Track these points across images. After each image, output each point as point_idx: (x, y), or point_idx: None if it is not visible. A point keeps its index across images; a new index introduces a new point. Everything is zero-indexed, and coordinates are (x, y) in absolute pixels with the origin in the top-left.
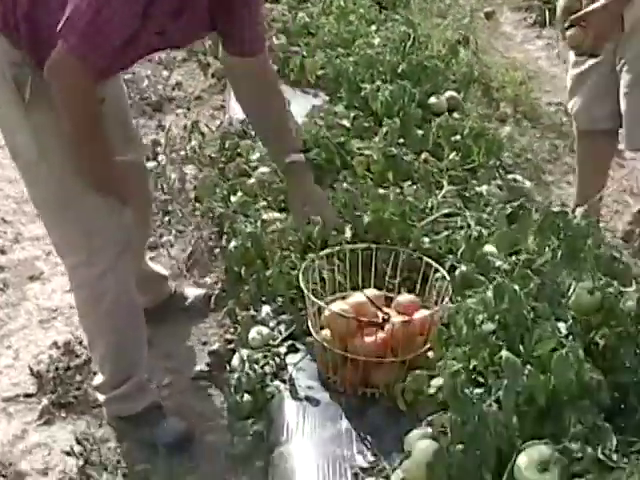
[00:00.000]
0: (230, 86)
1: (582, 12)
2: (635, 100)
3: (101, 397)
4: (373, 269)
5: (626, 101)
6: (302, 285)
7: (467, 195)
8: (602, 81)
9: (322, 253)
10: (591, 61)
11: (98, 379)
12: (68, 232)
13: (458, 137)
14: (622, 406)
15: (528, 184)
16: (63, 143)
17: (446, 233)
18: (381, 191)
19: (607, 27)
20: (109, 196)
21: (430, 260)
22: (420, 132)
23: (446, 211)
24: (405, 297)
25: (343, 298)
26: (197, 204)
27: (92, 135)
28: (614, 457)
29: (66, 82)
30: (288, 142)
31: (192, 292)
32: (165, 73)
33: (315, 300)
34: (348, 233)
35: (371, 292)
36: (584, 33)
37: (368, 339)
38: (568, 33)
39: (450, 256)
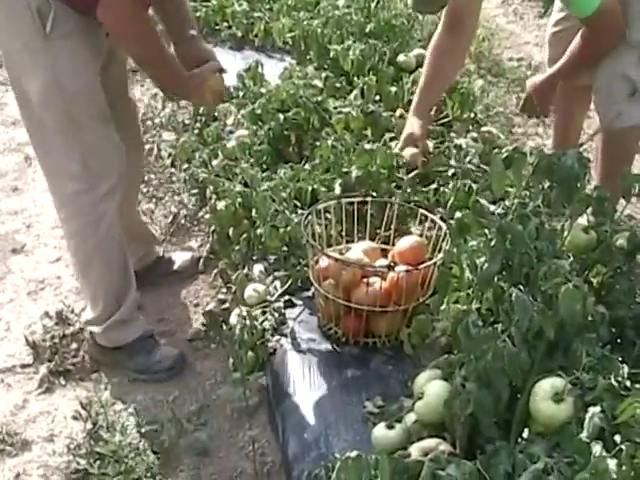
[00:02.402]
0: None
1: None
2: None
3: (96, 329)
4: (367, 221)
5: None
6: (304, 236)
7: (447, 147)
8: None
9: (319, 206)
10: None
11: (89, 314)
12: (70, 158)
13: None
14: (619, 340)
15: (502, 136)
16: (78, 73)
17: (434, 185)
18: (367, 146)
19: (550, 96)
20: (197, 98)
21: (425, 211)
22: (394, 89)
23: (433, 163)
24: (408, 240)
25: (340, 252)
26: (174, 170)
27: (162, 50)
28: (627, 384)
29: (125, 17)
30: (188, 21)
31: (179, 256)
32: None
33: (328, 253)
34: (337, 188)
35: (367, 245)
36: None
37: (371, 289)
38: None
39: (439, 208)
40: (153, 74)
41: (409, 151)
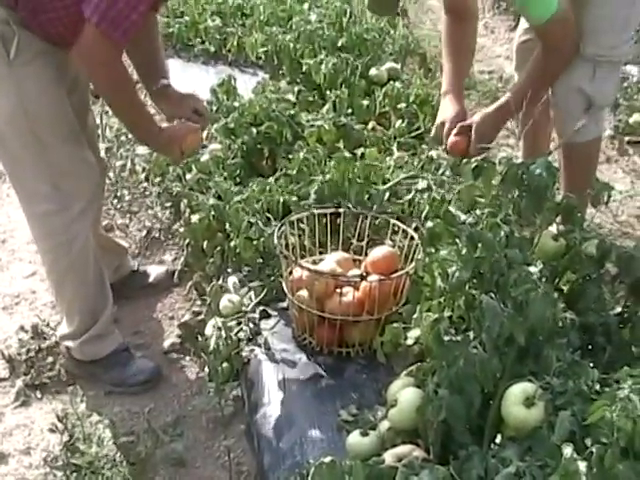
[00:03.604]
0: None
1: (467, 122)
2: None
3: (72, 343)
4: (341, 232)
5: None
6: (277, 247)
7: (419, 159)
8: None
9: (292, 218)
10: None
11: (64, 329)
12: (41, 181)
13: (403, 105)
14: (590, 346)
15: None
16: (43, 96)
17: (409, 196)
18: (346, 154)
19: (491, 135)
20: (166, 150)
21: (398, 222)
22: (365, 102)
23: (409, 174)
24: (381, 250)
25: (313, 262)
26: (147, 184)
27: (135, 98)
28: (597, 388)
29: (101, 61)
30: (161, 69)
31: (154, 269)
32: None
33: (301, 264)
34: (312, 198)
35: (340, 255)
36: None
37: (345, 299)
38: (451, 140)
39: (414, 218)
40: (125, 121)
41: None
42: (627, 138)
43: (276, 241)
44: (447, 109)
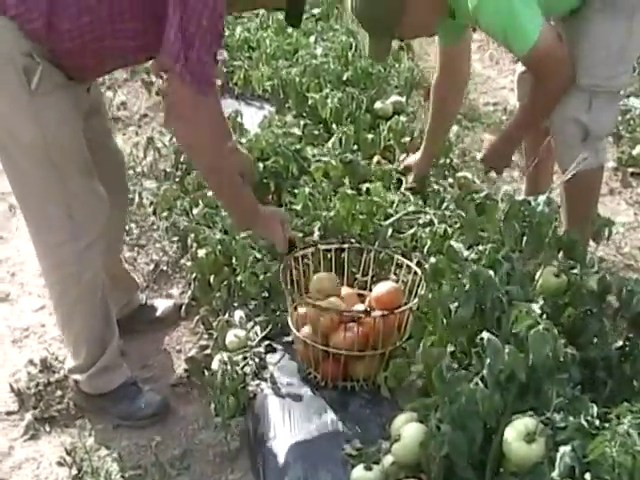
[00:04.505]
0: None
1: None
2: None
3: (80, 377)
4: (345, 267)
5: None
6: (283, 283)
7: (424, 193)
8: None
9: (297, 253)
10: None
11: (71, 362)
12: (54, 211)
13: (408, 139)
14: (591, 381)
15: (477, 181)
16: (62, 126)
17: (412, 231)
18: (350, 191)
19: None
20: (261, 233)
21: (401, 257)
22: (370, 136)
23: (411, 209)
24: (385, 285)
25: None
26: (155, 218)
27: (230, 169)
28: (597, 423)
29: (204, 120)
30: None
31: (162, 303)
32: (109, 94)
33: (306, 300)
34: (316, 233)
35: (345, 290)
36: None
37: (349, 334)
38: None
39: (416, 253)
40: (223, 193)
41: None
42: (630, 170)
43: (281, 277)
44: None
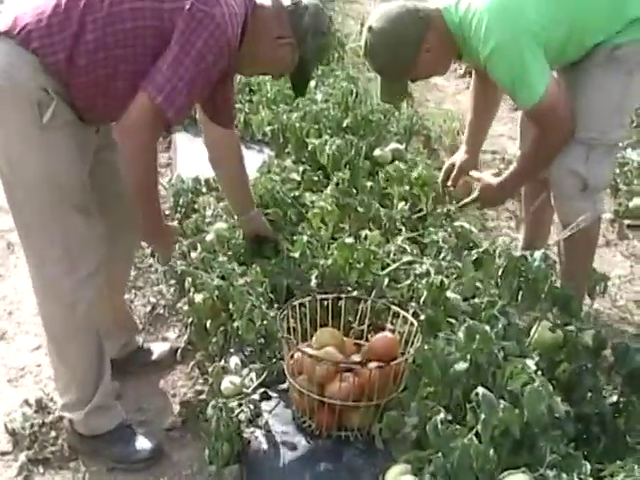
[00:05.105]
0: (209, 161)
1: (476, 174)
2: None
3: (76, 415)
4: (342, 316)
5: None
6: (280, 332)
7: (423, 242)
8: None
9: (295, 302)
10: None
11: (65, 398)
12: (53, 245)
13: (406, 187)
14: (585, 436)
15: (475, 230)
16: (68, 162)
17: (408, 282)
18: (348, 240)
19: (493, 204)
20: (154, 247)
21: (398, 308)
22: (369, 183)
23: (408, 259)
24: (381, 336)
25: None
26: (152, 260)
27: (154, 190)
28: None
29: (143, 136)
30: (249, 199)
31: (158, 346)
32: None
33: (302, 349)
34: (314, 281)
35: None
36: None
37: (344, 384)
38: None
39: (413, 303)
40: (139, 207)
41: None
42: (627, 222)
43: (278, 326)
44: (460, 154)
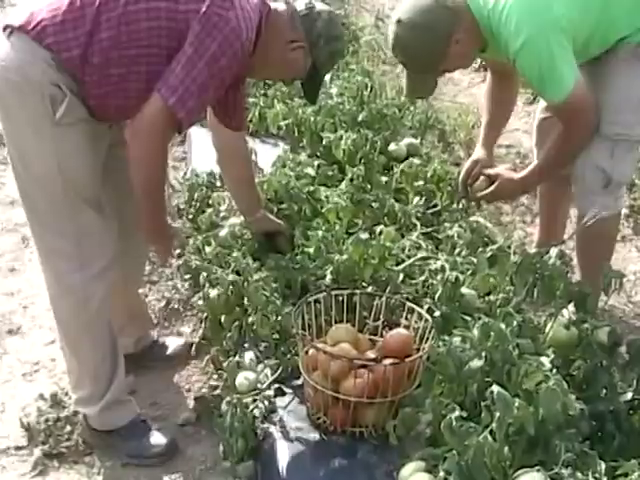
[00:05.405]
0: (217, 164)
1: (492, 171)
2: None
3: (90, 410)
4: (357, 313)
5: None
6: (295, 328)
7: (437, 237)
8: None
9: (310, 298)
10: None
11: (79, 392)
12: (64, 240)
13: (421, 182)
14: (600, 433)
15: (489, 225)
16: (80, 158)
17: (423, 278)
18: (362, 236)
19: (509, 198)
20: (155, 247)
21: (413, 304)
22: (384, 178)
23: (423, 255)
24: (396, 333)
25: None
26: None
27: (161, 192)
28: None
29: (155, 136)
30: (256, 201)
31: (173, 341)
32: None
33: (317, 346)
34: (329, 277)
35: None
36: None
37: (359, 380)
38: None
39: (427, 299)
40: (146, 207)
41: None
42: None
43: (293, 322)
44: (478, 153)
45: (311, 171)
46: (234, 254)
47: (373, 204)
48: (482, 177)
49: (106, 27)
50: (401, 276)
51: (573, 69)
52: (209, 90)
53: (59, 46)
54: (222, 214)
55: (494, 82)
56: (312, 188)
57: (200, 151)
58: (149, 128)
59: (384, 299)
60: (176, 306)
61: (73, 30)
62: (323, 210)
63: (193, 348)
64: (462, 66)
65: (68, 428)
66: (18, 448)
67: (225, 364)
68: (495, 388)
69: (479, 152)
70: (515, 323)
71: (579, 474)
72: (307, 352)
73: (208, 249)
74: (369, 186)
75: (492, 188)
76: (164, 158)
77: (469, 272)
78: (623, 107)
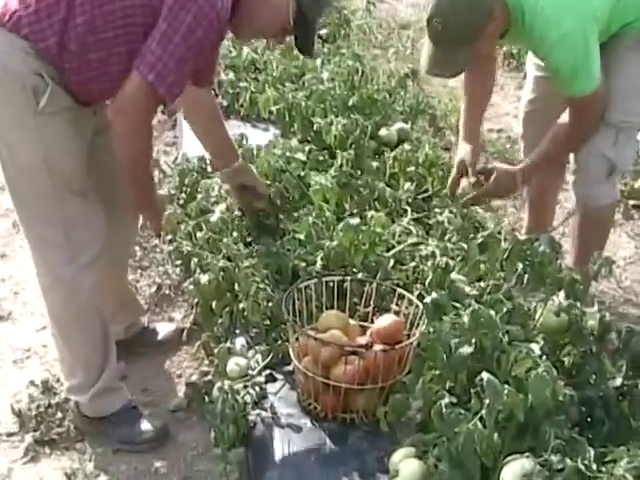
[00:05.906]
0: (184, 119)
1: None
2: None
3: (81, 398)
4: (347, 299)
5: None
6: (286, 314)
7: (428, 223)
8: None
9: (300, 285)
10: (546, 101)
11: (71, 381)
12: (53, 230)
13: (412, 168)
14: (589, 420)
15: (480, 211)
16: (64, 147)
17: (413, 264)
18: (353, 221)
19: (507, 191)
20: (145, 217)
21: (403, 291)
22: (375, 164)
23: (413, 241)
24: (386, 319)
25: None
26: (158, 240)
27: (147, 168)
28: (593, 467)
29: (137, 113)
30: (231, 152)
31: (164, 327)
32: None
33: (308, 332)
34: (319, 263)
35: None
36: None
37: (350, 367)
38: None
39: (418, 285)
40: (133, 183)
41: (463, 183)
42: (632, 202)
43: (284, 308)
44: (465, 148)
45: (301, 156)
46: (225, 240)
47: (362, 189)
48: (472, 178)
49: (80, 12)
50: (391, 262)
51: (599, 62)
52: (187, 62)
53: (35, 36)
54: (213, 199)
55: (475, 73)
56: (302, 173)
57: (191, 136)
58: (131, 105)
59: (374, 285)
60: (167, 292)
61: (47, 19)
62: (310, 192)
63: (184, 334)
64: (488, 50)
65: (59, 415)
66: (9, 434)
67: (216, 350)
68: (485, 375)
69: (463, 149)
70: (505, 310)
71: (568, 460)
72: (297, 338)
73: (199, 234)
74: (359, 172)
75: (489, 184)
76: (148, 133)
77: (459, 258)
78: (630, 94)
